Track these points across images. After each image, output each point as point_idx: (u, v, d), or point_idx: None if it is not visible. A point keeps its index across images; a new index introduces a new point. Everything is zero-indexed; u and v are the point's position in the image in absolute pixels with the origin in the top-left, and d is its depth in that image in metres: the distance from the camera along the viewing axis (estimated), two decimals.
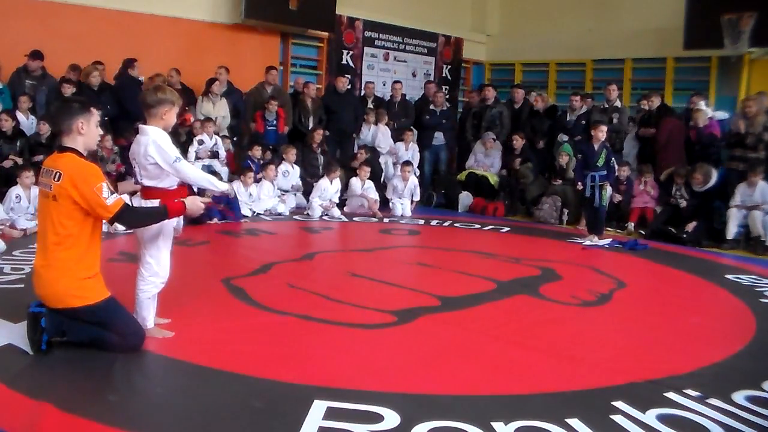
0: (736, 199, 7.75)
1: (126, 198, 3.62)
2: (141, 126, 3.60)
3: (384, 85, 11.77)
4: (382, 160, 10.07)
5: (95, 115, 3.37)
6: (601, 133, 7.54)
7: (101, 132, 3.48)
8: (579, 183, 7.67)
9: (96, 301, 3.30)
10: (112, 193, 3.23)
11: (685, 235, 7.74)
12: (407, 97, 11.19)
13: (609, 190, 7.68)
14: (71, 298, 3.26)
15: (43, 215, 3.31)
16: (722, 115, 9.09)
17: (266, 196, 8.52)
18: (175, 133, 8.48)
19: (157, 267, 3.62)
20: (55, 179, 3.20)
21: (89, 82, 8.29)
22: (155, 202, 3.56)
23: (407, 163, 9.40)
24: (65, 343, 3.40)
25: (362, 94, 10.98)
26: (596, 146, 7.52)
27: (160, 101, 3.55)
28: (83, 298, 3.27)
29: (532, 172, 9.52)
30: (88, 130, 3.33)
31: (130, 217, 3.37)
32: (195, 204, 3.55)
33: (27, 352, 3.30)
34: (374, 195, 9.02)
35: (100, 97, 8.36)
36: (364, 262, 6.26)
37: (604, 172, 7.51)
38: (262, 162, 8.86)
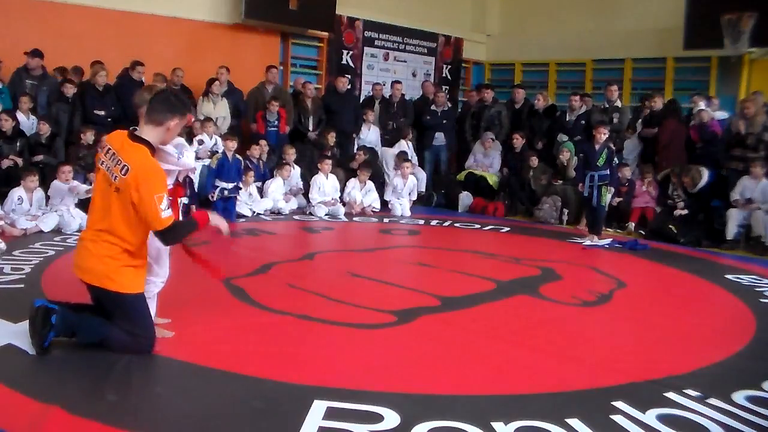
0: (736, 192, 7.74)
1: None
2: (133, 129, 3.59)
3: (384, 85, 11.77)
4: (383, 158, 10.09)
5: (186, 118, 3.38)
6: (602, 134, 7.54)
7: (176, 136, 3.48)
8: (580, 184, 7.66)
9: (128, 291, 3.29)
10: (168, 207, 3.19)
11: (682, 240, 7.72)
12: (407, 97, 11.19)
13: (611, 190, 7.68)
14: (106, 279, 3.25)
15: (103, 199, 3.25)
16: (722, 114, 9.09)
17: (275, 191, 8.53)
18: None
19: (157, 267, 3.62)
20: (122, 172, 3.15)
21: (95, 81, 8.30)
22: None
23: (405, 159, 9.40)
24: (66, 343, 3.40)
25: (369, 94, 10.96)
26: (597, 146, 7.52)
27: (147, 102, 3.53)
28: (117, 284, 3.26)
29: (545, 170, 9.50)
30: (174, 131, 3.33)
31: (175, 233, 3.30)
32: (220, 220, 3.56)
33: (27, 352, 3.30)
34: (374, 195, 9.09)
35: (105, 98, 8.37)
36: (364, 262, 6.25)
37: (606, 172, 7.52)
38: (262, 162, 8.88)
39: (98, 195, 3.32)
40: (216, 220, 3.52)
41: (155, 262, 3.62)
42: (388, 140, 10.34)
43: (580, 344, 4.01)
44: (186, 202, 7.14)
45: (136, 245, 3.28)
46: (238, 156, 8.23)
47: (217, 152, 8.51)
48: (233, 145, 8.06)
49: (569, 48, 12.12)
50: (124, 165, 3.15)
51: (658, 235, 7.91)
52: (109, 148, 3.27)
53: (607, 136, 7.65)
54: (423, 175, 10.05)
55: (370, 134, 10.17)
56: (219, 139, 8.68)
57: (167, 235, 3.27)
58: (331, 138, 9.43)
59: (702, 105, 8.79)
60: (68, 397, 2.87)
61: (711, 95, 9.87)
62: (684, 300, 5.37)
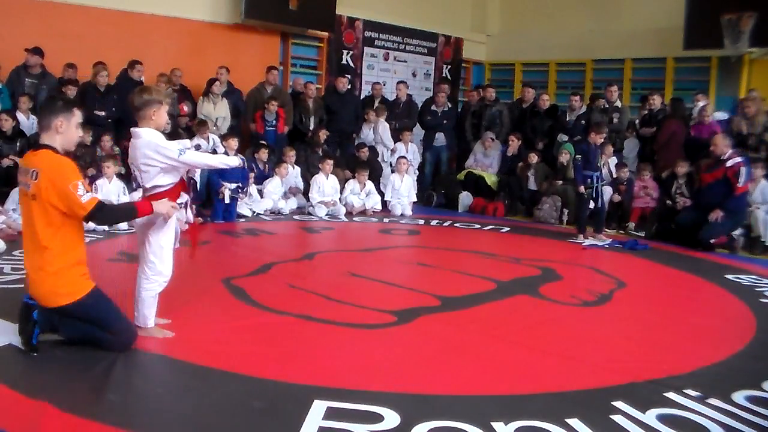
0: None
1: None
2: (133, 129, 3.58)
3: (384, 85, 11.76)
4: (384, 157, 10.07)
5: (77, 116, 3.32)
6: (600, 137, 7.59)
7: (81, 134, 3.44)
8: (581, 186, 7.63)
9: (83, 295, 3.28)
10: (87, 191, 3.21)
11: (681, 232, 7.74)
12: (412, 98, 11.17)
13: (609, 190, 7.71)
14: (60, 296, 3.25)
15: (25, 216, 3.29)
16: (722, 115, 9.08)
17: (273, 189, 8.51)
18: (174, 134, 8.48)
19: (160, 266, 3.61)
20: (33, 178, 3.18)
21: (97, 81, 8.30)
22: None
23: (402, 157, 9.47)
24: (64, 343, 3.40)
25: (369, 94, 10.96)
26: (595, 147, 7.56)
27: (146, 102, 3.53)
28: (70, 295, 3.26)
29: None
30: (66, 130, 3.29)
31: (103, 215, 3.33)
32: (164, 206, 3.48)
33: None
34: (375, 197, 9.10)
35: (105, 99, 8.37)
36: (364, 262, 6.25)
37: (599, 173, 7.59)
38: (266, 163, 8.86)
39: (23, 215, 3.33)
40: (160, 207, 3.44)
41: (159, 260, 3.61)
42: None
43: (580, 344, 4.01)
44: (186, 201, 7.17)
45: (66, 248, 3.26)
46: (241, 156, 8.20)
47: (215, 150, 8.48)
48: (234, 143, 8.05)
49: (569, 48, 12.12)
50: (33, 171, 3.18)
51: (662, 236, 7.88)
52: (20, 167, 3.31)
53: (603, 140, 7.70)
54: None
55: (371, 134, 10.15)
56: (216, 138, 8.64)
57: (96, 217, 3.29)
58: (323, 135, 9.42)
59: (702, 103, 8.80)
60: (68, 397, 2.87)
61: (709, 96, 9.87)
62: (684, 300, 5.38)
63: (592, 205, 7.63)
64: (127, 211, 3.50)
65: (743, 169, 7.22)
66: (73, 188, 3.15)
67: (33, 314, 3.27)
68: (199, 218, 7.22)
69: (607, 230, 8.13)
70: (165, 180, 3.56)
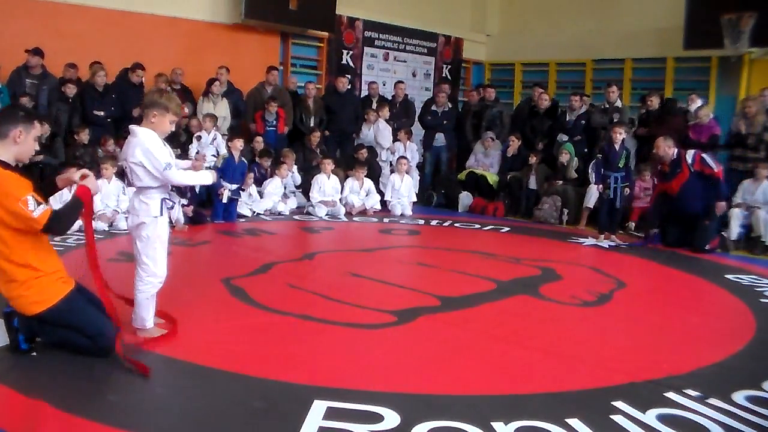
0: (738, 196, 7.75)
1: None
2: (131, 127, 3.60)
3: (384, 85, 11.75)
4: (383, 156, 10.07)
5: (36, 128, 3.24)
6: (618, 134, 7.57)
7: (37, 147, 3.33)
8: (600, 185, 7.66)
9: (55, 302, 3.22)
10: (39, 204, 3.09)
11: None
12: (409, 97, 11.17)
13: (627, 191, 7.74)
14: (32, 305, 3.20)
15: None
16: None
17: (273, 190, 8.51)
18: (175, 134, 8.49)
19: (154, 267, 3.61)
20: None
21: (95, 81, 8.30)
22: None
23: (402, 157, 9.47)
24: None
25: (367, 94, 10.97)
26: (617, 147, 7.56)
27: (153, 103, 3.54)
28: (42, 303, 3.20)
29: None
30: (24, 141, 3.18)
31: (59, 222, 3.20)
32: (92, 182, 3.36)
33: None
34: (375, 197, 9.11)
35: (104, 98, 8.38)
36: (364, 262, 6.25)
37: (624, 173, 7.58)
38: (268, 168, 8.87)
39: None
40: (91, 183, 3.33)
41: (152, 262, 3.61)
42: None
43: (580, 344, 4.01)
44: (185, 203, 7.18)
45: (28, 262, 3.18)
46: (243, 159, 8.21)
47: (216, 156, 8.49)
48: (240, 144, 8.04)
49: (569, 48, 12.12)
50: None
51: (662, 237, 7.86)
52: None
53: (623, 136, 7.68)
54: (416, 177, 10.02)
55: (371, 134, 10.15)
56: (218, 134, 8.67)
57: (53, 228, 3.17)
58: (315, 138, 9.42)
59: (699, 103, 8.79)
60: (67, 396, 2.87)
61: (708, 96, 9.85)
62: (684, 300, 5.38)
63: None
64: (74, 206, 3.32)
65: (705, 156, 7.18)
66: (23, 204, 3.03)
67: (14, 322, 3.26)
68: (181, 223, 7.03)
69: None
70: (155, 182, 3.57)
